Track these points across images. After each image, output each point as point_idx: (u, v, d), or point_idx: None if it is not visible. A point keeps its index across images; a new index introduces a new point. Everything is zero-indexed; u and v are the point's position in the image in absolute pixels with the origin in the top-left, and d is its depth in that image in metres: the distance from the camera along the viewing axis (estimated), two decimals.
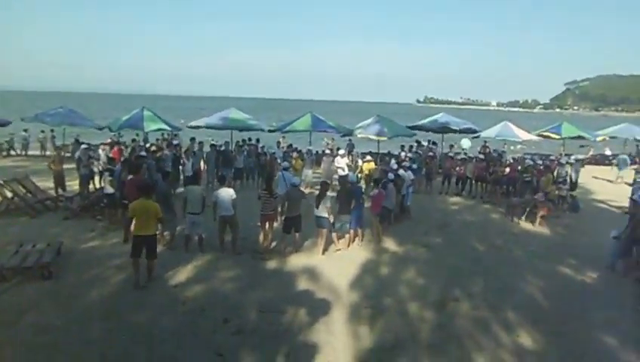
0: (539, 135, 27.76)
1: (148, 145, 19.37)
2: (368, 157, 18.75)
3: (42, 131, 26.96)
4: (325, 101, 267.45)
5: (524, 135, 25.51)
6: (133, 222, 8.63)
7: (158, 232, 9.36)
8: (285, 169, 13.85)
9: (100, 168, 15.71)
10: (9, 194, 13.08)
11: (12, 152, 26.57)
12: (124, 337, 6.82)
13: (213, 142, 19.92)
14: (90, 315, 7.44)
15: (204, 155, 18.10)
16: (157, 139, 23.52)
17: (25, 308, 7.54)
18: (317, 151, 23.10)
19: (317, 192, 11.20)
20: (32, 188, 13.91)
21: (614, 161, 27.71)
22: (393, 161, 16.80)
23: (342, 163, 17.87)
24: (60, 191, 15.04)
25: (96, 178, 15.90)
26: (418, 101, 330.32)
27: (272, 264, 10.13)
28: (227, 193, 10.41)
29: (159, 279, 8.95)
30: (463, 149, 24.95)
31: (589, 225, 14.27)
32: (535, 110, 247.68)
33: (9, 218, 12.53)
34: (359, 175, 16.96)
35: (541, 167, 17.10)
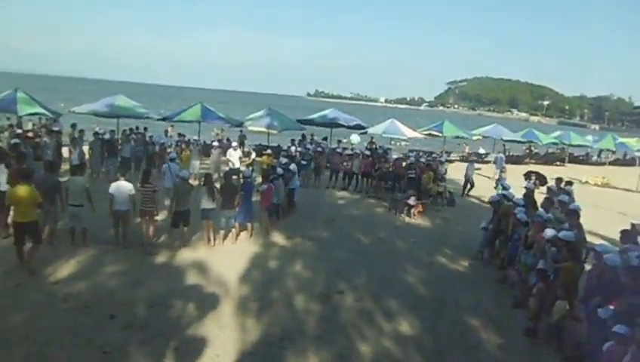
0: (423, 133, 29.52)
1: (20, 131, 17.93)
2: (268, 151, 18.72)
3: None
4: (216, 90, 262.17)
5: (409, 132, 26.97)
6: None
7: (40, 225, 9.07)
8: (172, 160, 13.57)
9: None
10: None
11: None
12: None
13: (97, 130, 18.93)
14: None
15: (89, 144, 17.13)
16: (33, 125, 21.94)
17: None
18: (204, 142, 22.80)
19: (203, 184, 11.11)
20: None
21: (487, 159, 30.17)
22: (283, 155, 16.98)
23: (234, 156, 17.72)
24: None
25: None
26: (309, 94, 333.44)
27: (160, 258, 9.96)
28: (125, 187, 10.03)
29: (38, 276, 8.49)
30: (352, 144, 25.83)
31: (464, 218, 15.44)
32: (421, 107, 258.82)
33: None
34: (251, 168, 16.97)
35: (423, 165, 18.16)
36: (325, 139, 23.61)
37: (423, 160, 19.28)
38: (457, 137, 31.25)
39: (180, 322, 7.33)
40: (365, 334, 7.42)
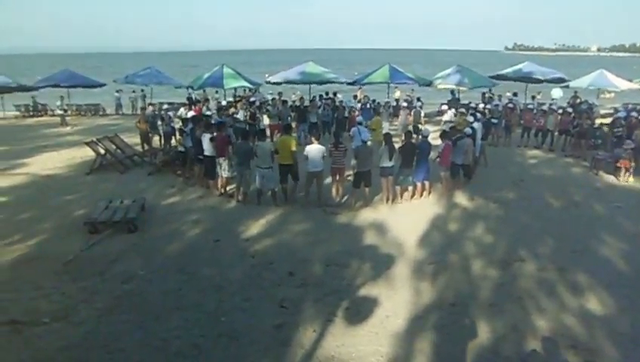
0: None
1: (224, 102, 19.90)
2: (462, 110, 18.14)
3: (133, 91, 28.52)
4: (407, 50, 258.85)
5: (623, 84, 23.64)
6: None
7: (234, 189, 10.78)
8: (360, 123, 13.87)
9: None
10: (102, 151, 14.15)
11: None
12: (196, 289, 7.28)
13: (285, 99, 20.27)
14: (169, 267, 8.00)
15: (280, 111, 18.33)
16: (235, 96, 24.14)
17: (113, 259, 8.25)
18: (397, 103, 22.85)
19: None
20: (121, 144, 15.05)
21: None
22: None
23: (447, 117, 17.40)
24: (146, 146, 16.04)
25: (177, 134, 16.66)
26: (507, 48, 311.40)
27: (342, 218, 10.33)
28: (318, 149, 10.64)
29: (232, 233, 9.44)
30: (553, 99, 23.63)
31: None
32: None
33: (102, 173, 13.61)
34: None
35: (635, 119, 15.91)
36: (515, 94, 21.92)
37: (634, 113, 16.89)
38: None
39: (354, 282, 7.52)
40: (544, 307, 6.79)
